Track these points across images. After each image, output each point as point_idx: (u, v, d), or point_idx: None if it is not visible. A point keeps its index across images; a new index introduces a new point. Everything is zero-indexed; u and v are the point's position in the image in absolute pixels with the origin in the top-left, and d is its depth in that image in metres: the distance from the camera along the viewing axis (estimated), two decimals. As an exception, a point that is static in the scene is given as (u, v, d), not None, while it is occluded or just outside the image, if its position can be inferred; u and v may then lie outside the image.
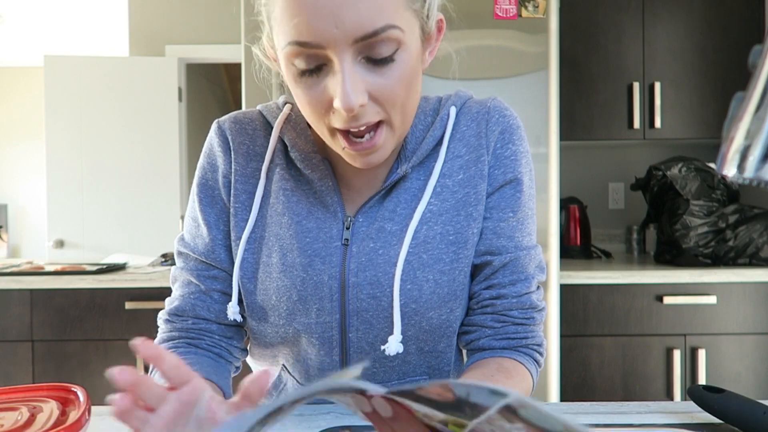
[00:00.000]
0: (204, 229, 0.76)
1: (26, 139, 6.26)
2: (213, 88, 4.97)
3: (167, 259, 2.46)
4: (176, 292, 0.78)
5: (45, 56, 3.52)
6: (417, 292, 0.71)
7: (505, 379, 0.68)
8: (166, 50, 3.52)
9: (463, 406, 0.35)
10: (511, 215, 0.74)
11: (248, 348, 0.83)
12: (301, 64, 0.60)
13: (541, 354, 0.76)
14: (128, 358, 2.06)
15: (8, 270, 2.18)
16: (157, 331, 0.78)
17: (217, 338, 0.76)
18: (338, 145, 0.65)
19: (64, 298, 2.08)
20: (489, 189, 0.74)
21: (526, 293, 0.74)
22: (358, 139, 0.63)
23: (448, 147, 0.74)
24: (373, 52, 0.59)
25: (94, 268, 2.21)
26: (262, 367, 0.82)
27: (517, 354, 0.74)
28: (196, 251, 0.76)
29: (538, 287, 0.77)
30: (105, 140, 3.52)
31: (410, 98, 0.64)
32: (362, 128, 0.62)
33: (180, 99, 3.56)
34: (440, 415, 0.38)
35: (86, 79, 3.51)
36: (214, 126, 0.78)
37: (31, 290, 2.08)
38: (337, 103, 0.59)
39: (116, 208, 3.52)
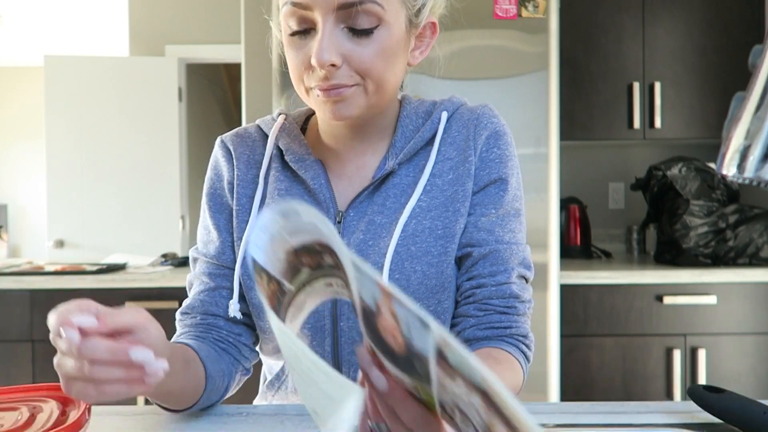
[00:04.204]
0: (214, 234, 0.81)
1: (26, 139, 6.26)
2: (213, 88, 4.97)
3: (167, 259, 2.46)
4: (189, 294, 0.82)
5: (45, 56, 3.52)
6: (405, 282, 0.73)
7: (494, 364, 0.69)
8: (166, 50, 3.51)
9: (413, 359, 0.37)
10: (492, 211, 0.77)
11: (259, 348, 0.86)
12: (293, 24, 0.69)
13: (527, 346, 0.77)
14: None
15: (8, 270, 2.18)
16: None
17: (225, 333, 0.79)
18: (313, 102, 0.72)
19: (64, 298, 2.05)
20: (474, 188, 0.77)
21: (506, 283, 0.76)
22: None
23: (439, 149, 0.78)
24: (354, 22, 0.66)
25: (94, 268, 2.21)
26: (272, 363, 0.85)
27: (502, 343, 0.75)
28: (207, 255, 0.81)
29: (526, 281, 0.79)
30: (105, 140, 3.52)
31: (387, 74, 0.70)
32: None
33: (180, 99, 3.56)
34: (407, 380, 0.40)
35: (86, 79, 3.50)
36: (217, 141, 0.85)
37: (31, 290, 2.08)
38: (312, 59, 0.66)
39: (116, 208, 3.51)
